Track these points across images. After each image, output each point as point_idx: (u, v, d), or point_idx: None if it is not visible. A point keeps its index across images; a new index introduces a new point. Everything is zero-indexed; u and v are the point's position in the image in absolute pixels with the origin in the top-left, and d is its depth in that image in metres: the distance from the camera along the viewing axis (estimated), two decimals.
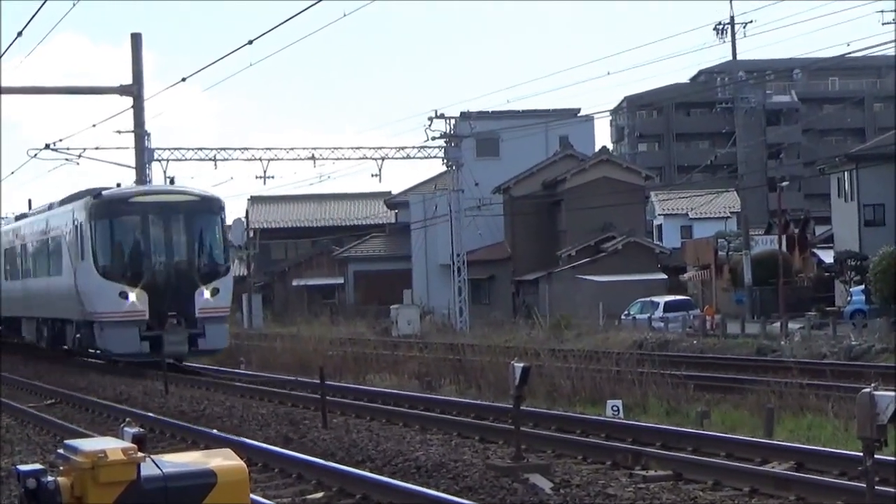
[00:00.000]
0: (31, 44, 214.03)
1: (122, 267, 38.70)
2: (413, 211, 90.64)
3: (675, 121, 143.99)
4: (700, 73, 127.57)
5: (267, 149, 62.23)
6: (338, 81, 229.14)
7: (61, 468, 7.22)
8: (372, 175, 65.80)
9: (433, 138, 68.46)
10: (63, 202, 45.77)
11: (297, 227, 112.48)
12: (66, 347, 45.72)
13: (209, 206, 40.39)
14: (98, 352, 41.48)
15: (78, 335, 41.76)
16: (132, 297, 37.30)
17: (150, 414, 24.65)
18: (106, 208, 39.10)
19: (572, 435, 19.53)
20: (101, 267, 38.53)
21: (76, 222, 40.62)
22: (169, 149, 59.91)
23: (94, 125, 61.55)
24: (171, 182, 43.92)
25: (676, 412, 24.08)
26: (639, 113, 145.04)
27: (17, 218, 56.31)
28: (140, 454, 7.08)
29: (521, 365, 17.28)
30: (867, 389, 11.69)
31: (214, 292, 38.58)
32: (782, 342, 44.19)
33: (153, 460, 7.15)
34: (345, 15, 34.72)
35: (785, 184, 77.77)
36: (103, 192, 39.52)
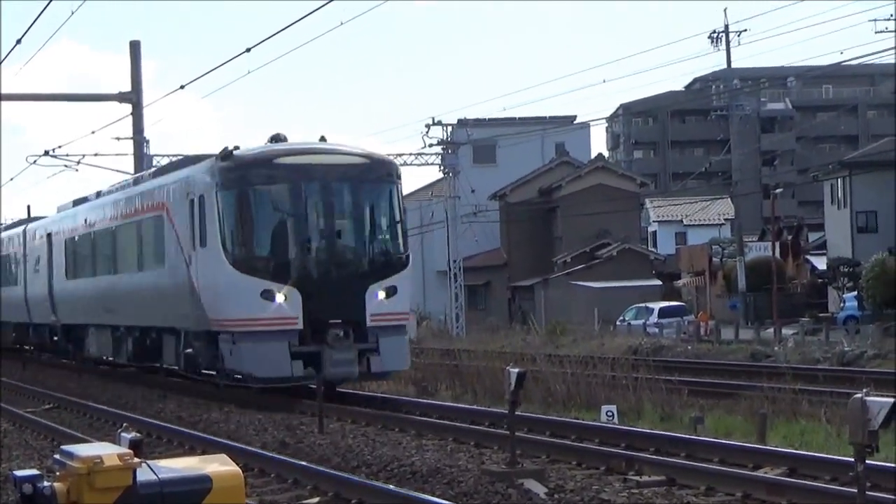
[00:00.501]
0: (31, 51, 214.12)
1: (264, 256, 27.32)
2: (410, 217, 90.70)
3: (670, 128, 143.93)
4: (695, 80, 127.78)
5: None
6: (335, 88, 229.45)
7: (58, 473, 7.23)
8: None
9: (430, 145, 68.59)
10: (159, 173, 34.94)
11: None
12: (159, 365, 34.40)
13: (384, 173, 28.64)
14: (221, 374, 28.85)
15: (188, 350, 29.79)
16: (279, 297, 26.22)
17: (148, 419, 24.57)
18: (241, 174, 27.36)
19: (567, 440, 19.52)
20: (234, 255, 26.92)
21: (191, 195, 28.59)
22: (168, 155, 58.91)
23: (93, 132, 61.64)
24: (322, 140, 30.31)
25: (670, 417, 24.08)
26: (634, 120, 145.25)
27: (76, 203, 43.76)
28: (136, 460, 7.08)
29: (517, 370, 17.27)
30: (859, 395, 11.69)
31: (391, 292, 27.30)
32: (776, 348, 44.32)
33: (149, 465, 7.15)
34: (342, 23, 34.60)
35: (779, 191, 77.93)
36: (235, 153, 27.62)
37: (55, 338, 43.98)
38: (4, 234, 52.43)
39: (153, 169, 35.84)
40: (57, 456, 7.44)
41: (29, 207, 66.08)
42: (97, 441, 8.29)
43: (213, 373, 29.62)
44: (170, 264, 30.53)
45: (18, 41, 35.60)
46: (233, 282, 26.90)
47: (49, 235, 44.02)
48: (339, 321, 26.45)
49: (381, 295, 27.15)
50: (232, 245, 27.22)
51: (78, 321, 40.73)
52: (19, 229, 49.21)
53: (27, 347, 50.44)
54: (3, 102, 53.91)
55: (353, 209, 28.11)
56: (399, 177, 29.05)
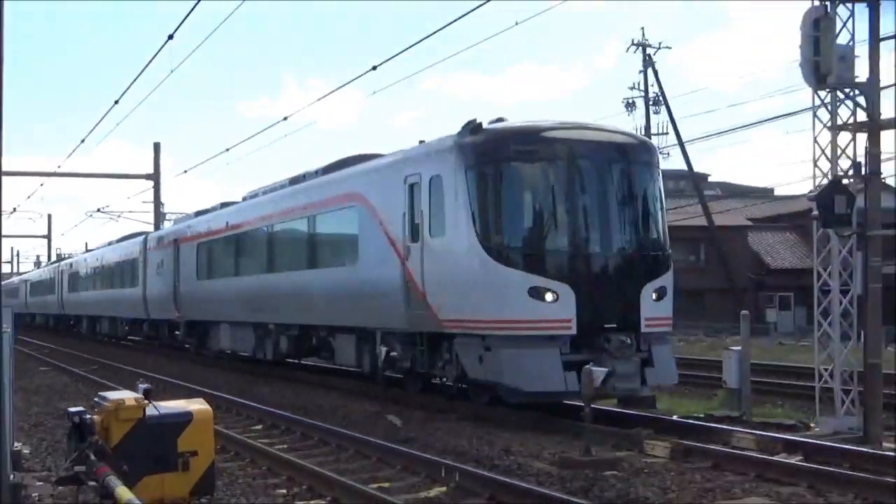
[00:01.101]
0: (90, 146, 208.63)
1: (531, 245, 14.75)
2: None
3: None
4: None
5: None
6: (279, 168, 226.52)
7: (96, 410, 7.07)
8: None
9: None
10: (329, 170, 20.56)
11: None
12: (318, 365, 23.15)
13: (655, 157, 16.17)
14: (451, 384, 15.98)
15: (391, 353, 17.10)
16: (549, 295, 14.35)
17: (157, 375, 23.83)
18: (499, 149, 14.98)
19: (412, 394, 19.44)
20: (492, 245, 14.67)
21: (412, 180, 16.11)
22: (178, 213, 57.71)
23: (128, 197, 60.75)
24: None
25: None
26: None
27: (198, 213, 30.82)
28: (146, 402, 6.96)
29: (385, 349, 17.23)
30: (588, 366, 12.02)
31: (661, 293, 15.25)
32: None
33: (154, 405, 7.03)
34: (285, 136, 34.14)
35: None
36: (484, 126, 15.39)
37: (176, 332, 31.24)
38: (124, 244, 39.48)
39: (337, 160, 20.85)
40: (96, 398, 7.28)
41: (87, 244, 64.48)
42: (123, 389, 8.10)
43: (400, 375, 17.58)
44: (368, 258, 17.45)
45: (82, 141, 34.65)
46: (492, 276, 14.34)
47: (176, 241, 30.43)
48: (614, 325, 14.30)
49: (654, 296, 14.86)
50: (490, 232, 14.52)
51: (206, 318, 27.69)
52: (138, 239, 36.71)
53: (138, 338, 38.20)
54: (71, 178, 52.44)
55: (628, 195, 15.22)
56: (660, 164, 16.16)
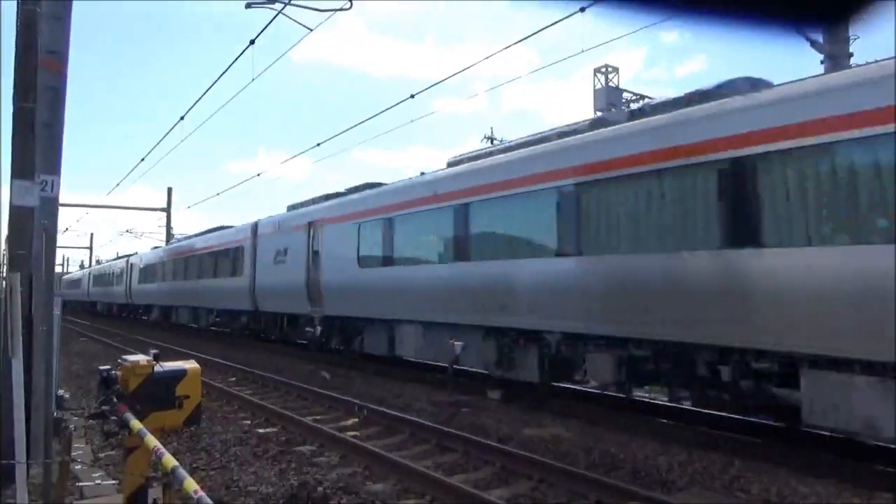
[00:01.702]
0: (123, 187, 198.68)
1: None
2: None
3: None
4: None
5: None
6: (259, 208, 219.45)
7: (119, 367, 7.03)
8: None
9: None
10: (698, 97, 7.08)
11: None
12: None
13: None
14: None
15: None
16: None
17: (165, 344, 22.92)
18: None
19: (331, 355, 19.30)
20: None
21: None
22: (184, 234, 54.83)
23: (148, 223, 57.89)
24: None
25: None
26: None
27: (329, 196, 16.33)
28: (154, 362, 6.96)
29: (319, 328, 17.05)
30: (452, 340, 12.24)
31: None
32: None
33: (160, 364, 7.03)
34: (258, 186, 32.06)
35: None
36: None
37: (308, 329, 17.46)
38: (221, 233, 24.61)
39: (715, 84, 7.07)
40: (119, 359, 7.24)
41: (117, 252, 61.17)
42: (139, 353, 8.13)
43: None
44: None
45: (118, 184, 34.01)
46: None
47: (310, 224, 16.35)
48: None
49: None
50: None
51: (370, 314, 14.07)
52: (245, 226, 21.86)
53: (226, 330, 24.76)
54: (107, 210, 50.18)
55: None
56: None
